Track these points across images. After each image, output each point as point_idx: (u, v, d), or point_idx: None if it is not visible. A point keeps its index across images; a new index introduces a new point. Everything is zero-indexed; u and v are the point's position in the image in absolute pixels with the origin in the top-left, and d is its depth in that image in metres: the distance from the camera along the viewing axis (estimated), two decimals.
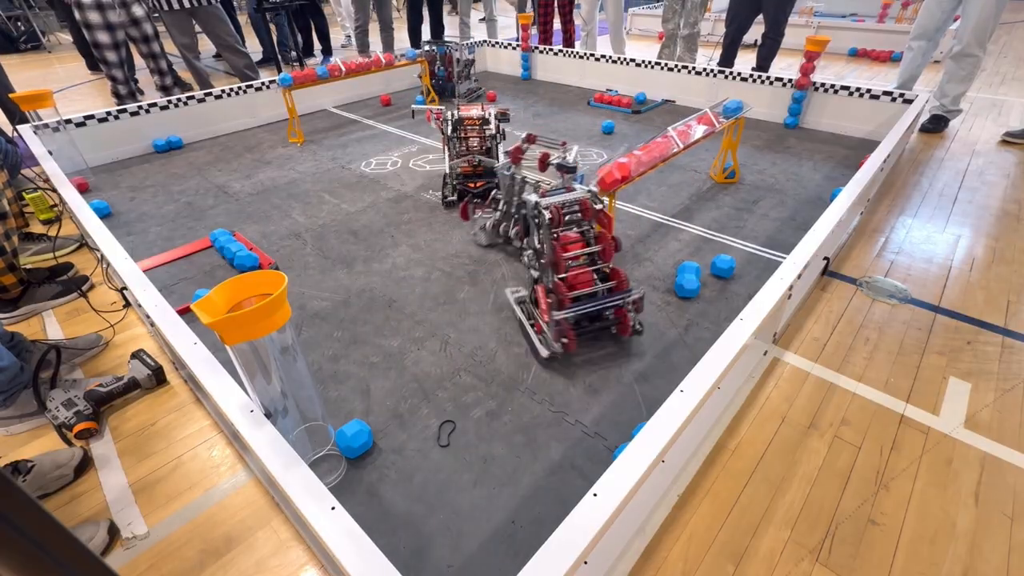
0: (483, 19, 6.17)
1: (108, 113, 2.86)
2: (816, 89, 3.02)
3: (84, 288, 1.85)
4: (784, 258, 1.42)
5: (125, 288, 1.55)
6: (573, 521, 0.78)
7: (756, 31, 3.78)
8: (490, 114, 2.18)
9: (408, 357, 1.46)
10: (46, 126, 2.60)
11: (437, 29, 5.11)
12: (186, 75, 4.30)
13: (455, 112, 2.18)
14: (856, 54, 5.21)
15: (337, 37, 6.67)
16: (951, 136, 3.04)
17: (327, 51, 5.53)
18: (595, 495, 0.81)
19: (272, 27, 4.98)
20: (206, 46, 4.81)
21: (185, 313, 1.52)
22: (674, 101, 3.67)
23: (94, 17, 2.98)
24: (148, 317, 1.36)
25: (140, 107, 2.95)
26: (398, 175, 2.63)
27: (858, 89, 2.90)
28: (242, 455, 1.24)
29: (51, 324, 1.72)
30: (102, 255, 1.60)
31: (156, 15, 3.46)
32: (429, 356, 1.46)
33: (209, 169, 2.78)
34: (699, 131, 2.02)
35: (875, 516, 1.07)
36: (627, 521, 1.01)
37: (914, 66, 3.20)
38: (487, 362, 1.44)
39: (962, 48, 2.87)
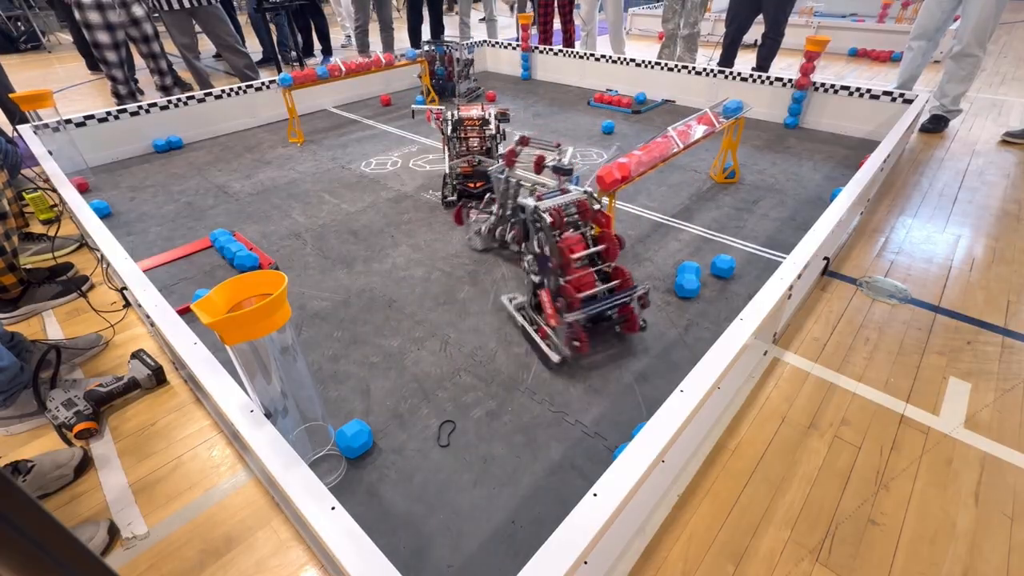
0: (483, 19, 6.18)
1: (108, 113, 2.86)
2: (816, 89, 3.02)
3: (84, 288, 1.85)
4: (784, 258, 1.42)
5: (125, 288, 1.55)
6: (573, 521, 0.78)
7: (756, 31, 3.78)
8: (490, 114, 2.18)
9: (408, 357, 1.46)
10: (46, 126, 2.60)
11: (437, 29, 5.11)
12: (186, 75, 4.30)
13: (455, 112, 2.18)
14: (856, 54, 5.21)
15: (337, 37, 6.67)
16: (951, 136, 3.04)
17: (327, 51, 5.53)
18: (595, 495, 0.81)
19: (272, 27, 4.98)
20: (206, 46, 4.81)
21: (185, 313, 1.52)
22: (674, 101, 3.67)
23: (94, 17, 2.98)
24: (148, 317, 1.36)
25: (140, 107, 2.95)
26: (398, 175, 2.63)
27: (858, 89, 2.90)
28: (242, 455, 1.24)
29: (51, 324, 1.72)
30: (102, 255, 1.60)
31: (156, 15, 3.46)
32: (429, 356, 1.46)
33: (209, 169, 2.78)
34: (699, 131, 2.02)
35: (875, 516, 1.07)
36: (627, 521, 1.01)
37: (914, 66, 3.20)
38: (487, 362, 1.44)
39: (962, 48, 2.87)
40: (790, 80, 3.07)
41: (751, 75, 3.25)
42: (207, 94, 3.19)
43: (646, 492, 1.04)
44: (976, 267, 1.87)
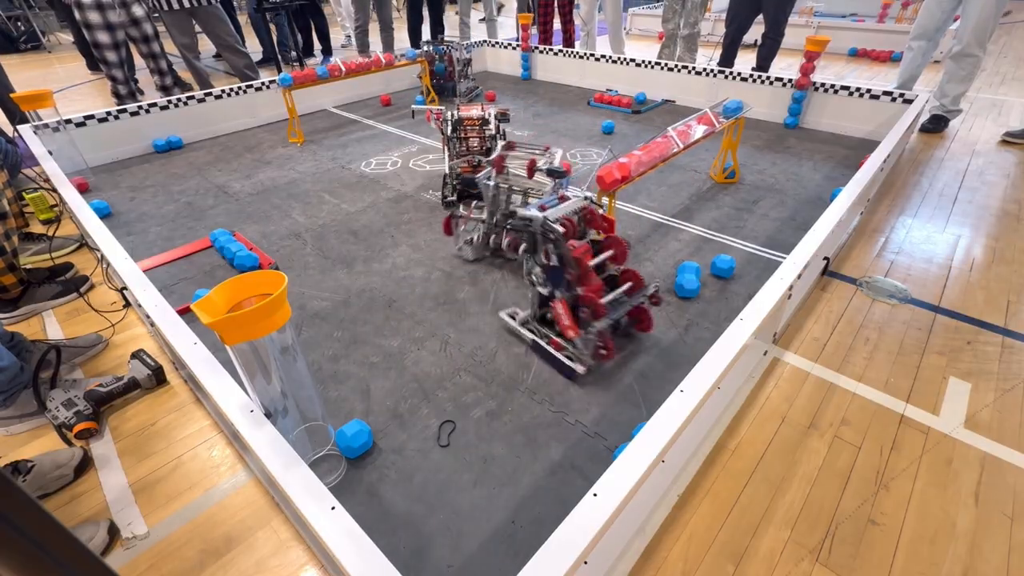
0: (483, 19, 6.18)
1: (108, 113, 2.86)
2: (816, 89, 3.02)
3: (83, 289, 1.85)
4: (784, 258, 1.42)
5: (125, 288, 1.55)
6: (573, 521, 0.78)
7: (756, 31, 3.78)
8: (490, 114, 2.18)
9: (408, 357, 1.46)
10: (46, 126, 2.60)
11: (437, 29, 5.11)
12: (186, 75, 4.30)
13: (455, 112, 2.18)
14: (856, 54, 5.21)
15: (337, 37, 6.67)
16: (951, 136, 3.04)
17: (327, 51, 5.54)
18: (595, 495, 0.81)
19: (272, 27, 4.98)
20: (206, 46, 4.81)
21: (185, 313, 1.52)
22: (674, 101, 3.67)
23: (94, 17, 2.98)
24: (148, 317, 1.36)
25: (140, 107, 2.95)
26: (398, 175, 2.63)
27: (858, 89, 2.90)
28: (242, 455, 1.24)
29: (51, 324, 1.72)
30: (102, 255, 1.60)
31: (156, 15, 3.46)
32: (429, 356, 1.46)
33: (209, 169, 2.78)
34: (699, 131, 2.02)
35: (875, 516, 1.07)
36: (627, 521, 1.01)
37: (914, 66, 3.20)
38: (487, 362, 1.44)
39: (962, 48, 2.87)
40: (790, 80, 3.07)
41: (751, 75, 3.25)
42: (207, 94, 3.19)
43: (646, 492, 1.04)
44: (976, 267, 1.87)
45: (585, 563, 0.80)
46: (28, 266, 1.94)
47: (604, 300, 1.35)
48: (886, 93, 2.83)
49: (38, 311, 1.77)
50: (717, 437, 1.25)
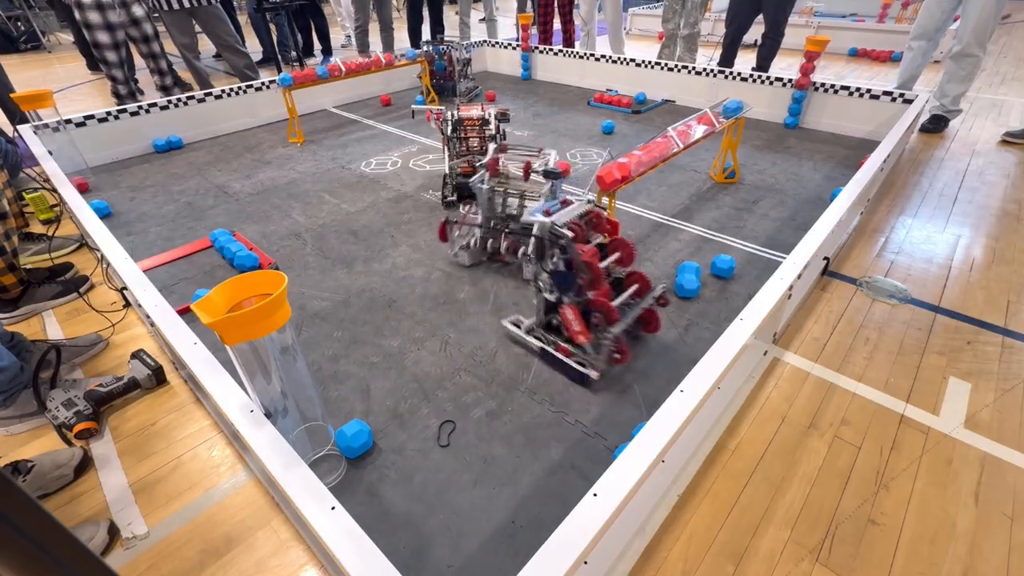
0: (483, 19, 6.18)
1: (108, 113, 2.86)
2: (816, 89, 3.02)
3: (83, 289, 1.85)
4: (784, 258, 1.42)
5: (125, 288, 1.55)
6: (573, 521, 0.78)
7: (756, 31, 3.78)
8: (490, 114, 2.18)
9: (408, 357, 1.46)
10: (46, 126, 2.60)
11: (437, 29, 5.11)
12: (186, 75, 4.30)
13: (455, 112, 2.18)
14: (856, 54, 5.21)
15: (337, 37, 6.67)
16: (951, 136, 3.04)
17: (327, 51, 5.54)
18: (595, 495, 0.81)
19: (272, 27, 4.98)
20: (206, 46, 4.81)
21: (185, 313, 1.52)
22: (674, 101, 3.67)
23: (94, 17, 2.98)
24: (148, 317, 1.36)
25: (140, 107, 2.95)
26: (398, 175, 2.63)
27: (858, 89, 2.90)
28: (242, 455, 1.24)
29: (51, 324, 1.72)
30: (102, 255, 1.60)
31: (156, 15, 3.46)
32: (429, 356, 1.46)
33: (209, 169, 2.78)
34: (699, 131, 2.02)
35: (875, 516, 1.07)
36: (627, 521, 1.01)
37: (914, 66, 3.20)
38: (487, 362, 1.44)
39: (962, 48, 2.87)
40: (790, 80, 3.07)
41: (751, 75, 3.25)
42: (207, 94, 3.19)
43: (646, 492, 1.04)
44: (976, 267, 1.87)
45: (585, 563, 0.80)
46: (28, 266, 1.94)
47: (619, 302, 1.34)
48: (886, 93, 2.83)
49: (38, 311, 1.77)
50: (717, 437, 1.25)
